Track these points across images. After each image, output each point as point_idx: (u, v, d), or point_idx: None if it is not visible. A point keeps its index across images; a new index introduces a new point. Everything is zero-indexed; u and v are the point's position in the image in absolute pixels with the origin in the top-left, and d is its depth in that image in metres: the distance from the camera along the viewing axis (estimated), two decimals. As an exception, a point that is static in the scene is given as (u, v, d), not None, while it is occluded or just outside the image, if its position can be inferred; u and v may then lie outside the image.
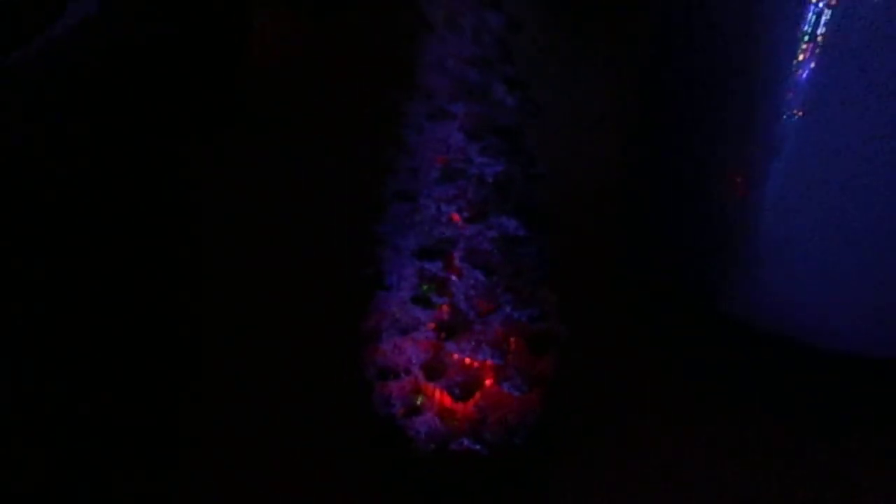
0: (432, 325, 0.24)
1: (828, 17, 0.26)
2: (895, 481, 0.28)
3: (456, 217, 0.22)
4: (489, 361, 0.24)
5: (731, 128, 0.29)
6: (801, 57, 0.27)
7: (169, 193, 0.25)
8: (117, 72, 0.19)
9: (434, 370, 0.24)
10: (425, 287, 0.23)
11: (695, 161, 0.31)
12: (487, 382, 0.24)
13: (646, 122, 0.35)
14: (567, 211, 0.25)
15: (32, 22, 0.19)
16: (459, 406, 0.25)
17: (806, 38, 0.26)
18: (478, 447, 0.25)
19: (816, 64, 0.27)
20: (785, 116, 0.28)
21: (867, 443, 0.29)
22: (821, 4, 0.26)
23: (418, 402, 0.25)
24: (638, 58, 0.36)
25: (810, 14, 0.26)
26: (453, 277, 0.23)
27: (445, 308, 0.23)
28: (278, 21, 0.53)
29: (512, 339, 0.24)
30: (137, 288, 0.24)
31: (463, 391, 0.24)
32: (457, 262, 0.23)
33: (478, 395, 0.24)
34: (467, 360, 0.24)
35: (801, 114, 0.28)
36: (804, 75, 0.27)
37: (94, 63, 0.19)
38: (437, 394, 0.25)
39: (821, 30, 0.26)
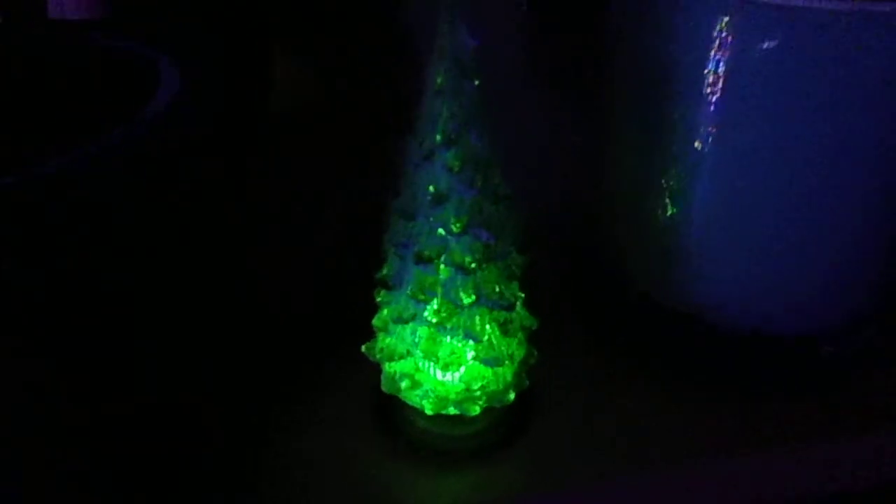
0: (427, 316, 0.30)
1: (724, 58, 0.31)
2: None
3: (443, 231, 0.28)
4: (471, 342, 0.31)
5: (661, 149, 0.34)
6: (707, 89, 0.31)
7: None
8: (204, 137, 0.26)
9: (429, 351, 0.31)
10: (421, 285, 0.29)
11: (636, 180, 0.37)
12: (470, 359, 0.31)
13: (602, 148, 0.41)
14: (534, 226, 0.31)
15: (133, 99, 0.25)
16: (449, 379, 0.31)
17: (712, 71, 0.31)
18: (464, 412, 0.32)
19: (720, 94, 0.31)
20: (699, 140, 0.32)
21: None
22: (718, 55, 0.31)
23: (417, 378, 0.31)
24: (595, 92, 0.42)
25: (712, 53, 0.31)
26: (442, 277, 0.29)
27: (436, 301, 0.30)
28: (295, 75, 0.60)
29: (487, 325, 0.31)
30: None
31: (451, 367, 0.31)
32: (444, 265, 0.29)
33: (462, 369, 0.31)
34: (454, 343, 0.31)
35: (714, 130, 0.32)
36: (712, 107, 0.31)
37: (187, 130, 0.25)
38: (432, 370, 0.31)
39: (721, 68, 0.31)
